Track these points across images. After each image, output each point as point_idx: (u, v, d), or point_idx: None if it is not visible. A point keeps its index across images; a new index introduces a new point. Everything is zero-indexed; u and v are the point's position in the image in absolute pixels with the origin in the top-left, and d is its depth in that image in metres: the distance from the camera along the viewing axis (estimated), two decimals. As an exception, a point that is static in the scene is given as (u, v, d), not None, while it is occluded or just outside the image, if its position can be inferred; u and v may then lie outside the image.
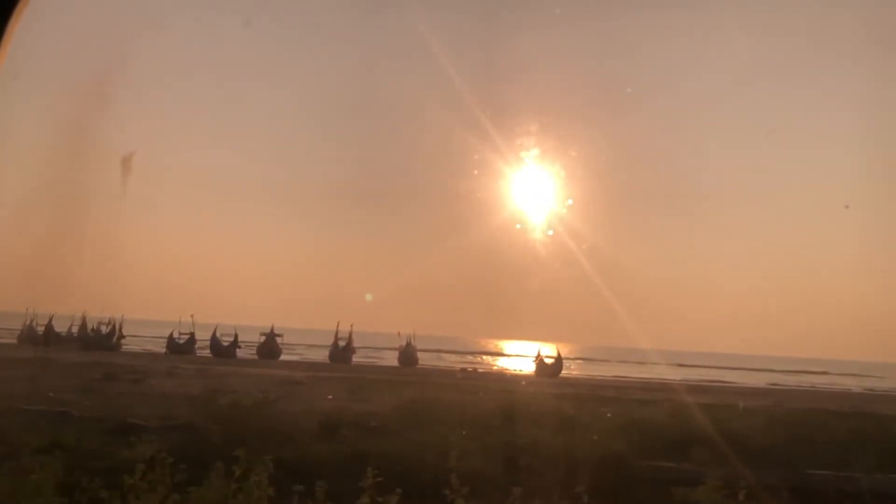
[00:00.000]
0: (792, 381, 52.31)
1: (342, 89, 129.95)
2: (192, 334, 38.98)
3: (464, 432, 12.02)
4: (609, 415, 16.48)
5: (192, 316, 39.02)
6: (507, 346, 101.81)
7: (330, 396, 18.14)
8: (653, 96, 78.86)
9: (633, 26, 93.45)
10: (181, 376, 21.17)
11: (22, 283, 36.68)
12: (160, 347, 39.14)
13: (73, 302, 36.63)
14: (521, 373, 40.92)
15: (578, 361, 76.21)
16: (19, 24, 3.48)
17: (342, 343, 39.25)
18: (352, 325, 40.08)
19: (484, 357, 67.94)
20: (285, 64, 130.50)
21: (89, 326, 37.52)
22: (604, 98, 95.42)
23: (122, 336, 38.58)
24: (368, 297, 38.92)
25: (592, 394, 24.65)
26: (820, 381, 52.70)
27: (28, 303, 36.66)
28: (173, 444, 9.11)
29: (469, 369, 38.77)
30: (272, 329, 39.63)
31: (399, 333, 41.40)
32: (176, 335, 39.08)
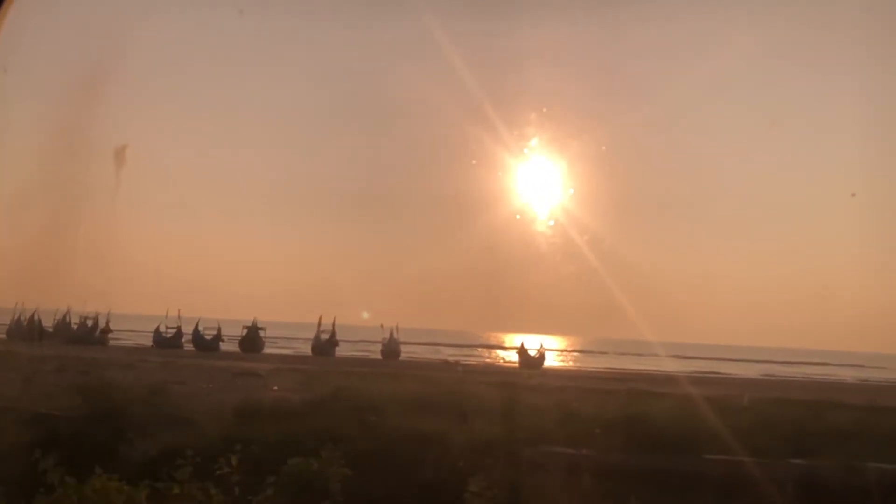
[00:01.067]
0: (788, 371, 52.04)
1: (340, 80, 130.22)
2: (178, 328, 39.42)
3: (372, 418, 12.18)
4: (547, 402, 16.57)
5: (178, 310, 39.54)
6: (513, 339, 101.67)
7: (276, 388, 18.32)
8: (657, 88, 78.49)
9: (639, 16, 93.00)
10: (138, 369, 21.42)
11: (14, 278, 37.17)
12: (150, 342, 39.56)
13: (67, 297, 37.05)
14: (507, 365, 40.88)
15: (577, 354, 76.34)
16: (9, 16, 3.57)
17: (325, 336, 39.59)
18: (334, 318, 40.47)
19: (483, 350, 67.91)
20: (282, 53, 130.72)
21: (73, 321, 38.00)
22: (607, 89, 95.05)
23: (108, 330, 39.05)
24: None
25: (559, 384, 24.69)
26: (817, 372, 52.37)
27: (21, 298, 37.07)
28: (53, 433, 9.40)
29: (452, 361, 38.89)
30: (254, 322, 40.03)
31: (382, 326, 41.62)
32: (162, 329, 39.56)
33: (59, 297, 39.12)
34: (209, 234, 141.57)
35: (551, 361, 52.45)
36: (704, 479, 9.75)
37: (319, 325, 39.75)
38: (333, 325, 40.17)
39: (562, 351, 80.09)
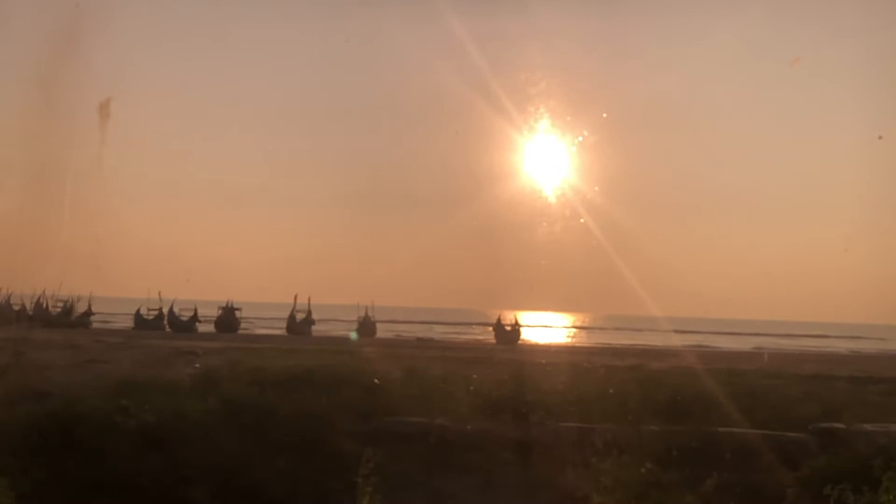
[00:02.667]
0: (782, 344, 51.40)
1: (344, 67, 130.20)
2: (160, 310, 39.84)
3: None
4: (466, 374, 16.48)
5: (159, 292, 39.93)
6: (521, 317, 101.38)
7: (198, 365, 18.38)
8: (668, 69, 77.57)
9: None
10: (79, 349, 21.69)
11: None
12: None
13: (51, 279, 37.16)
14: (484, 341, 40.71)
15: (575, 330, 76.01)
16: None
17: (301, 315, 39.86)
18: (309, 298, 40.79)
19: (479, 328, 67.58)
20: (287, 41, 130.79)
21: (57, 305, 38.56)
22: (619, 67, 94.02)
23: (90, 312, 39.57)
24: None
25: (510, 358, 24.61)
26: (810, 344, 51.66)
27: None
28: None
29: (426, 338, 38.94)
30: (228, 303, 40.40)
31: (359, 305, 41.72)
32: (144, 312, 40.01)
33: (44, 280, 39.51)
34: (205, 216, 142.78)
35: (546, 338, 52.39)
36: (526, 442, 9.72)
37: (295, 304, 40.03)
38: (309, 304, 40.45)
39: (563, 327, 79.86)
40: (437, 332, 50.90)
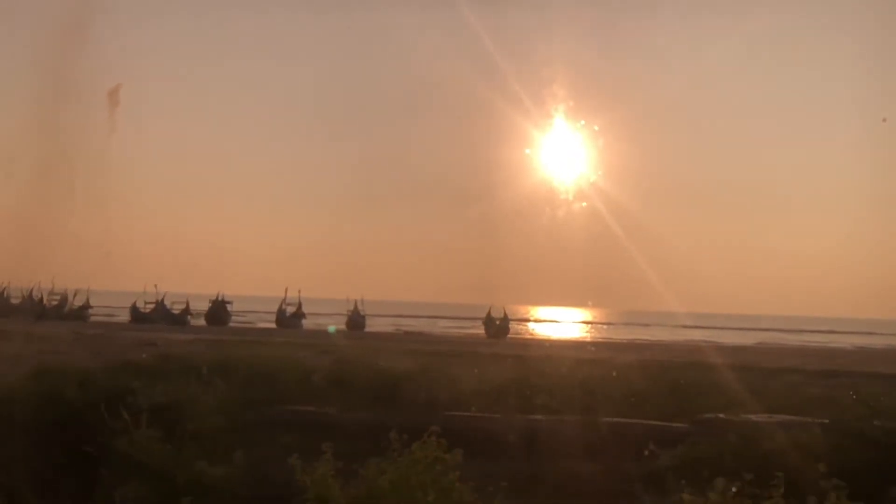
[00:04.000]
0: (788, 339, 50.71)
1: (354, 61, 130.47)
2: (155, 303, 40.32)
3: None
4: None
5: (156, 286, 40.40)
6: (536, 313, 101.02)
7: (144, 355, 18.55)
8: (686, 62, 76.82)
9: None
10: (49, 341, 22.01)
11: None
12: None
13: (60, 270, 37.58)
14: (477, 335, 40.62)
15: (582, 325, 75.37)
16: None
17: (291, 309, 40.11)
18: (300, 291, 41.03)
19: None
20: (296, 31, 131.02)
21: (42, 297, 39.18)
22: (636, 61, 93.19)
23: (88, 306, 40.17)
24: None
25: (489, 352, 24.49)
26: (816, 340, 50.86)
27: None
28: None
29: (416, 332, 39.00)
30: (218, 296, 40.75)
31: (348, 298, 41.87)
32: (140, 305, 40.52)
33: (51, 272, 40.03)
34: (213, 208, 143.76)
35: (546, 332, 52.13)
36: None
37: (285, 298, 40.28)
38: (299, 297, 40.67)
39: (571, 322, 79.31)
40: (438, 327, 50.89)
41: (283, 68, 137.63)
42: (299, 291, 40.95)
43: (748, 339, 49.00)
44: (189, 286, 43.15)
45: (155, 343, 21.98)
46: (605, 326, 70.21)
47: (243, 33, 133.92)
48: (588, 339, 41.64)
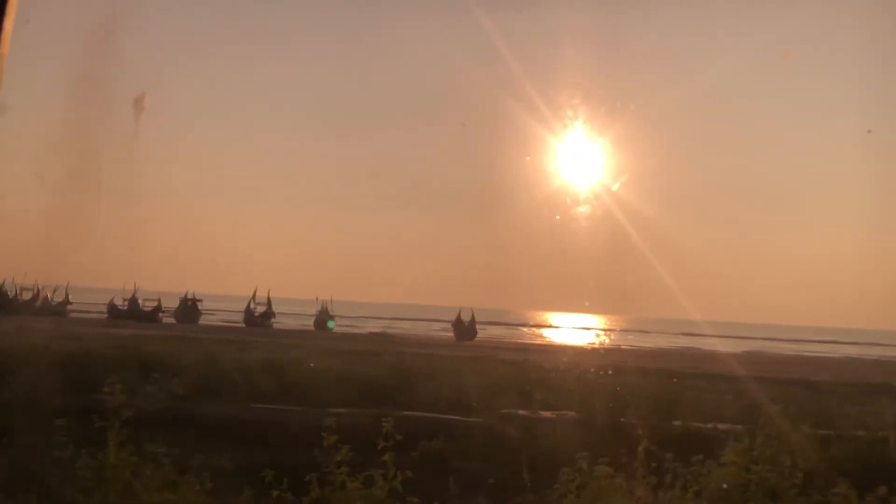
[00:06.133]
0: (779, 347, 49.60)
1: (369, 65, 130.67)
2: (129, 301, 40.53)
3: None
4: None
5: (134, 283, 40.63)
6: (549, 318, 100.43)
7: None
8: (701, 67, 76.08)
9: None
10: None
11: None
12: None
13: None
14: (441, 336, 40.23)
15: (576, 330, 74.30)
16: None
17: (261, 308, 40.18)
18: (269, 291, 41.35)
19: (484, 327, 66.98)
20: (311, 35, 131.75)
21: (17, 292, 39.57)
22: (652, 67, 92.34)
23: (68, 302, 40.48)
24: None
25: (436, 353, 24.22)
26: (810, 349, 49.74)
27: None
28: None
29: (381, 334, 38.81)
30: (187, 294, 41.15)
31: (317, 298, 41.79)
32: (118, 302, 40.80)
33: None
34: (225, 211, 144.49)
35: (525, 337, 51.41)
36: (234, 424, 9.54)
37: (254, 297, 40.34)
38: (268, 297, 40.74)
39: (566, 327, 78.43)
40: (428, 330, 50.37)
41: (298, 72, 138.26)
42: (268, 291, 41.33)
43: (738, 347, 47.71)
44: (197, 286, 43.31)
45: (79, 337, 21.96)
46: (598, 332, 69.42)
47: (269, 38, 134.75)
48: (559, 345, 41.10)
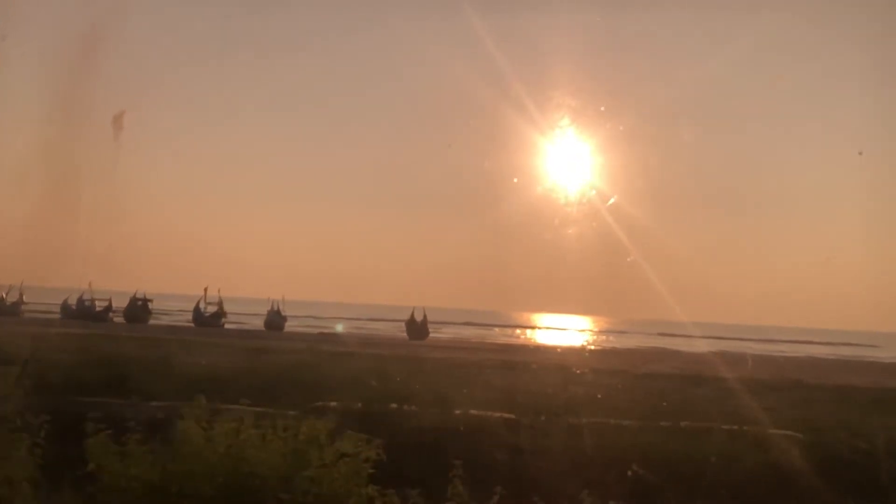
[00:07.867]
0: (776, 349, 48.62)
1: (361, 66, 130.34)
2: (78, 300, 40.22)
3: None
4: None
5: (89, 283, 40.20)
6: (533, 319, 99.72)
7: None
8: (691, 72, 75.64)
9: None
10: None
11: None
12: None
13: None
14: (397, 337, 39.62)
15: (555, 331, 73.60)
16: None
17: (212, 308, 39.74)
18: (219, 290, 41.06)
19: (464, 328, 66.35)
20: (297, 37, 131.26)
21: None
22: (642, 70, 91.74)
23: (21, 302, 40.15)
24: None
25: (374, 353, 23.65)
26: (804, 351, 48.81)
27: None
28: None
29: (332, 333, 38.27)
30: (136, 294, 40.82)
31: (269, 298, 41.31)
32: (71, 302, 40.41)
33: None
34: (212, 214, 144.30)
35: (486, 336, 50.67)
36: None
37: (204, 297, 39.87)
38: (219, 296, 40.31)
39: (544, 328, 77.74)
40: (388, 330, 49.60)
41: (291, 76, 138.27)
42: (219, 290, 40.91)
43: (729, 347, 46.67)
44: (186, 288, 42.99)
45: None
46: (577, 333, 68.70)
47: (252, 40, 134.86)
48: (519, 344, 40.61)
